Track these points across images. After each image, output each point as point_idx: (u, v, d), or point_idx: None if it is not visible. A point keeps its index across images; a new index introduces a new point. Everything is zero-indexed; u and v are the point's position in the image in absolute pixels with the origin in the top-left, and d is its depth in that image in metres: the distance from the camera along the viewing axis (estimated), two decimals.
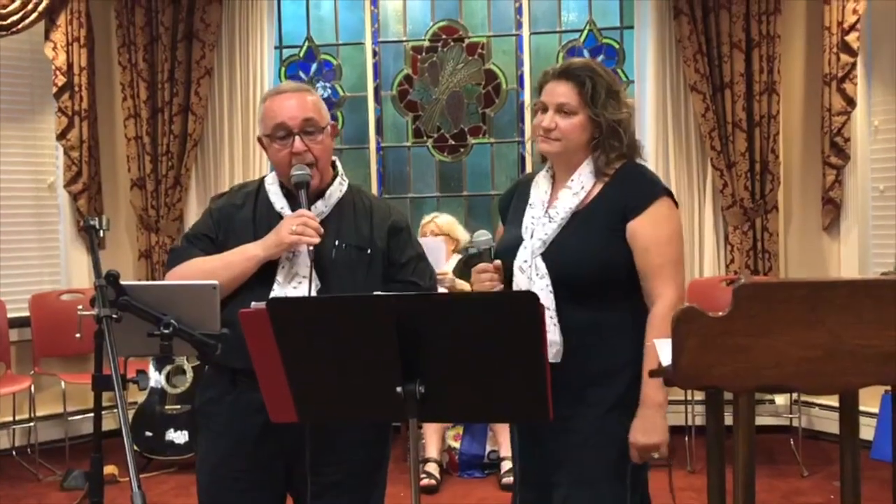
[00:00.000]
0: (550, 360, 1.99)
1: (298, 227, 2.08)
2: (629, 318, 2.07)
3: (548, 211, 2.13)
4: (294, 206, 2.17)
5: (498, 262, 2.14)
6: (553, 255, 2.07)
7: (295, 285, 2.11)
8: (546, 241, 2.09)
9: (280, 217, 2.16)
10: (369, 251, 2.18)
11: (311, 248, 2.07)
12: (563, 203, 2.11)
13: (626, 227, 2.06)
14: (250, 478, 2.15)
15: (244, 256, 2.12)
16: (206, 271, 2.09)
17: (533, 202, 2.17)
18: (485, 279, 2.12)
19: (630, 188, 2.09)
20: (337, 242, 2.14)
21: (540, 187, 2.19)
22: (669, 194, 2.12)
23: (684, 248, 2.17)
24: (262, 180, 2.28)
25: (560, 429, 2.03)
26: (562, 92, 2.11)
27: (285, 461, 2.14)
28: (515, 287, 2.09)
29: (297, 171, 2.13)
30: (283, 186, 2.21)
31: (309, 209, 2.13)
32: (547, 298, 2.03)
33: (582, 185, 2.11)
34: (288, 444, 2.08)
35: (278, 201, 2.20)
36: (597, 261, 2.05)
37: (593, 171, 2.12)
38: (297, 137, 2.13)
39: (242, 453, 2.13)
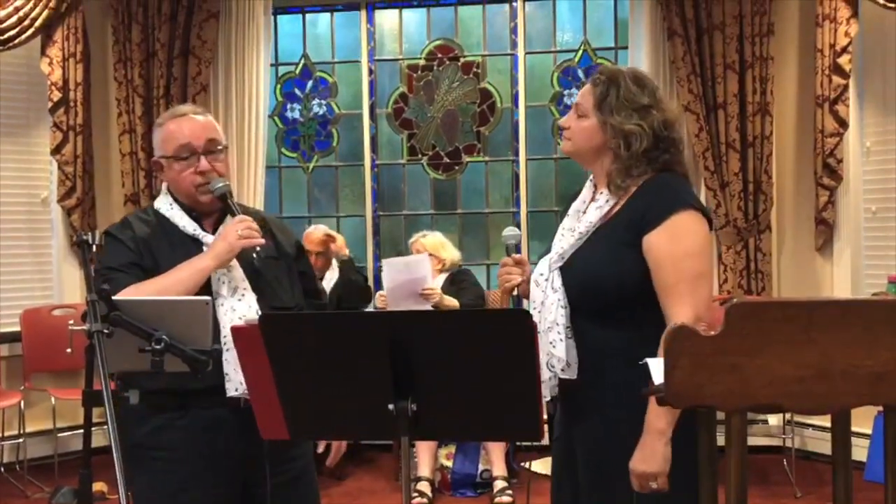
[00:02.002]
0: (561, 376, 1.98)
1: (245, 230, 2.11)
2: (655, 339, 1.86)
3: (576, 224, 2.08)
4: (205, 226, 2.20)
5: (518, 255, 2.11)
6: (569, 269, 2.01)
7: (239, 297, 2.13)
8: (563, 255, 2.02)
9: (194, 240, 2.17)
10: (281, 260, 2.25)
11: (259, 248, 2.14)
12: (587, 216, 2.05)
13: (641, 241, 1.95)
14: (226, 493, 2.13)
15: (195, 269, 2.10)
16: (159, 291, 2.05)
17: (571, 213, 2.12)
18: (502, 273, 2.10)
19: (649, 200, 1.97)
20: (254, 255, 2.17)
21: (580, 197, 2.13)
22: (694, 206, 1.98)
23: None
24: (153, 208, 2.26)
25: (584, 448, 2.01)
26: (582, 93, 2.09)
27: (244, 468, 2.13)
28: (531, 300, 2.05)
29: (218, 184, 2.18)
30: (189, 211, 2.21)
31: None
32: (558, 313, 1.97)
33: (607, 198, 2.04)
34: (253, 451, 2.07)
35: (188, 225, 2.19)
36: (607, 277, 1.95)
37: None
38: (202, 157, 2.18)
39: (213, 470, 2.11)
